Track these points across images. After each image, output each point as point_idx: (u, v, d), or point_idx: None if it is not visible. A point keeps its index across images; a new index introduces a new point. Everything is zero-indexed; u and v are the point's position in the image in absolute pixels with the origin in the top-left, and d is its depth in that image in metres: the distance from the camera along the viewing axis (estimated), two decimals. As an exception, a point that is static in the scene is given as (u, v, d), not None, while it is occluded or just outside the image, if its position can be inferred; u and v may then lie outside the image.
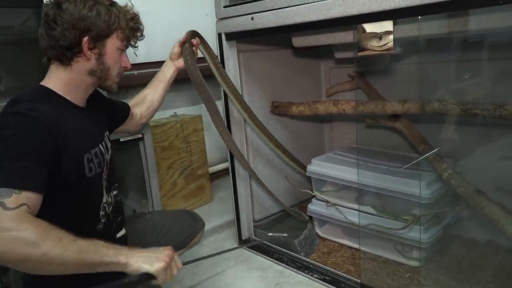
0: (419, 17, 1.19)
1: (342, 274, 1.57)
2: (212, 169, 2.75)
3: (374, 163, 1.75)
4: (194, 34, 1.54)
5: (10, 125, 0.92)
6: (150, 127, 2.04)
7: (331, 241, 1.86)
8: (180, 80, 2.57)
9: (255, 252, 1.86)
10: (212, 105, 1.51)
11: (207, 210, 2.44)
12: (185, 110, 2.70)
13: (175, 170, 2.37)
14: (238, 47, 1.79)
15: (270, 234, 1.88)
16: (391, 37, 1.20)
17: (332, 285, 1.54)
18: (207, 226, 2.17)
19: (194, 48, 1.51)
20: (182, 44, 1.48)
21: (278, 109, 1.98)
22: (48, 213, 0.92)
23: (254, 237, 1.94)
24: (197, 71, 1.47)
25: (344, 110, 1.74)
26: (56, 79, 1.06)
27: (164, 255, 1.00)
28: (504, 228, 1.31)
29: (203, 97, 1.51)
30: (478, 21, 1.20)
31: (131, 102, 1.45)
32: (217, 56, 1.69)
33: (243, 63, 1.86)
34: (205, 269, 1.76)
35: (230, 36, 1.73)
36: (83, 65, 1.06)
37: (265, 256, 1.82)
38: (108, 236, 1.13)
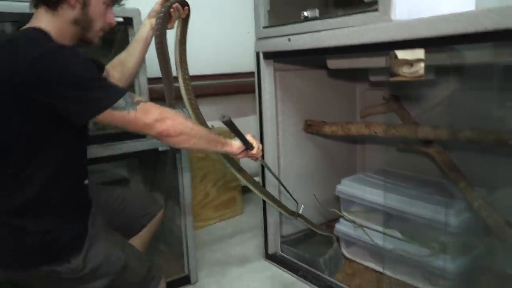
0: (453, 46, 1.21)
1: None
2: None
3: (404, 187, 1.74)
4: (183, 3, 1.37)
5: (69, 57, 0.97)
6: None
7: (357, 262, 1.86)
8: (219, 94, 2.68)
9: (280, 267, 1.89)
10: (168, 82, 1.35)
11: (237, 222, 2.50)
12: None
13: (208, 180, 2.45)
14: (275, 66, 1.86)
15: (296, 250, 1.90)
16: (422, 64, 1.22)
17: (354, 306, 1.54)
18: (236, 238, 2.25)
19: (172, 12, 1.34)
20: (163, 2, 1.34)
21: (311, 128, 2.01)
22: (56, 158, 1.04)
23: (280, 252, 1.97)
24: (163, 38, 1.32)
25: (375, 132, 1.75)
26: (47, 25, 1.05)
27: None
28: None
29: (161, 69, 1.34)
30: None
31: (107, 65, 1.35)
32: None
33: (279, 81, 1.92)
34: (230, 281, 1.81)
35: (268, 55, 1.80)
36: (68, 12, 1.07)
37: (289, 272, 1.84)
38: (87, 192, 1.19)
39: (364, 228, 1.73)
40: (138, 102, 1.02)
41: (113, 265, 1.14)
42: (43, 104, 0.95)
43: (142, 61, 1.42)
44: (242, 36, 2.55)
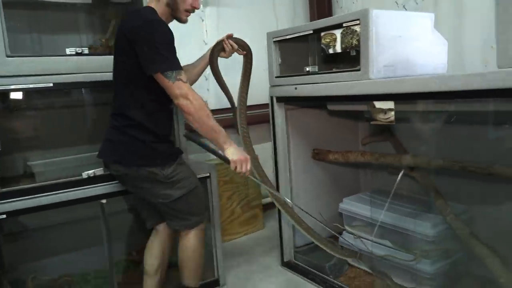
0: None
1: None
2: (266, 201, 3.20)
3: (394, 204, 2.10)
4: (240, 42, 1.91)
5: (158, 28, 1.51)
6: (215, 166, 2.57)
7: (359, 268, 2.21)
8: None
9: (294, 272, 2.27)
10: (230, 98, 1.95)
11: (259, 236, 2.90)
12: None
13: (233, 200, 2.87)
14: (286, 106, 2.27)
15: (307, 258, 2.28)
16: (392, 112, 1.61)
17: (352, 302, 1.91)
18: (257, 249, 2.64)
19: (225, 45, 1.85)
20: (225, 39, 1.87)
21: (318, 155, 2.41)
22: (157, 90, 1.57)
23: (294, 260, 2.35)
24: (215, 64, 1.87)
25: (370, 159, 2.14)
26: (155, 6, 1.62)
27: (242, 156, 1.63)
28: (489, 265, 1.61)
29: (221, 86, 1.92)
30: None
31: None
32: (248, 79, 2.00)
33: (290, 118, 2.33)
34: (252, 284, 2.20)
35: (279, 99, 2.22)
36: None
37: (301, 276, 2.22)
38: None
39: (362, 239, 2.10)
40: (179, 79, 1.51)
41: (190, 183, 1.71)
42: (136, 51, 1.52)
43: (200, 74, 1.94)
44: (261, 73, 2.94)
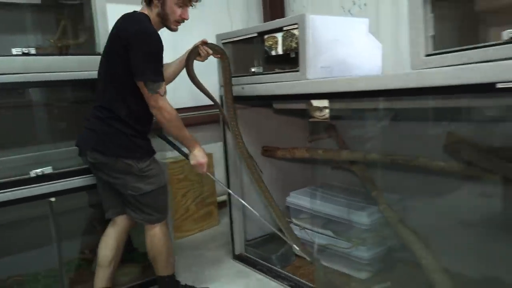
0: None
1: (305, 282, 2.06)
2: (221, 198, 3.28)
3: (336, 197, 2.25)
4: (215, 47, 2.03)
5: (150, 36, 1.64)
6: (168, 164, 2.63)
7: (305, 258, 2.34)
8: (198, 124, 3.15)
9: (244, 264, 2.38)
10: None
11: (213, 232, 2.99)
12: (200, 149, 3.26)
13: (188, 198, 2.94)
14: (236, 105, 2.36)
15: (257, 251, 2.39)
16: (327, 110, 1.75)
17: (296, 289, 2.03)
18: (211, 244, 2.72)
19: (200, 50, 1.98)
20: (200, 43, 1.99)
21: (267, 152, 2.53)
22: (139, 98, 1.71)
23: (244, 253, 2.45)
24: (190, 67, 1.99)
25: (313, 155, 2.27)
26: (148, 14, 1.74)
27: (202, 159, 1.86)
28: (413, 248, 1.77)
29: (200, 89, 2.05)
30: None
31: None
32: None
33: (239, 117, 2.42)
34: (204, 277, 2.28)
35: (229, 98, 2.32)
36: (155, 8, 1.73)
37: (251, 267, 2.33)
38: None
39: (306, 230, 2.23)
40: (157, 92, 1.66)
41: (160, 180, 1.83)
42: (128, 55, 1.64)
43: (177, 74, 2.04)
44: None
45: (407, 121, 2.07)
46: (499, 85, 1.18)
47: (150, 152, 1.83)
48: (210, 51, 2.00)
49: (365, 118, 2.25)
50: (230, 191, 2.26)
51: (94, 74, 1.86)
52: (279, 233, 2.04)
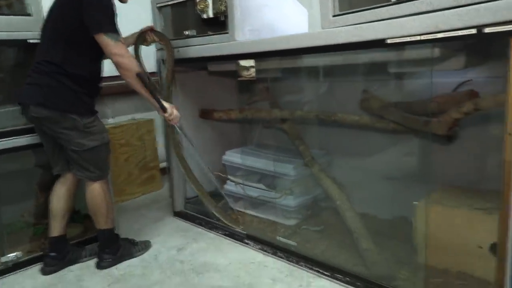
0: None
1: (238, 230, 2.24)
2: (164, 164, 3.37)
3: (268, 154, 2.43)
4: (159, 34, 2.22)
5: None
6: (108, 129, 2.68)
7: (241, 211, 2.52)
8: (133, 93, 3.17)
9: (184, 220, 2.52)
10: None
11: (156, 195, 3.10)
12: (143, 116, 3.31)
13: (130, 162, 3.01)
14: (176, 68, 2.45)
15: (196, 207, 2.54)
16: (253, 69, 1.89)
17: (230, 237, 2.21)
18: (153, 206, 2.83)
19: (147, 36, 2.18)
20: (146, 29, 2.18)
21: (204, 115, 2.65)
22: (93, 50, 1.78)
23: (184, 210, 2.60)
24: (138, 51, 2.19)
25: (247, 116, 2.43)
26: None
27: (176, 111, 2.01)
28: (331, 194, 2.00)
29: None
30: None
31: None
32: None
33: (177, 80, 2.52)
34: (145, 232, 2.41)
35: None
36: None
37: (191, 222, 2.48)
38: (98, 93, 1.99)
39: (241, 185, 2.40)
40: (120, 41, 1.75)
41: (102, 137, 1.90)
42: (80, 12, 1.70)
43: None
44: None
45: (331, 81, 2.27)
46: (388, 41, 1.38)
47: (93, 110, 1.90)
48: (157, 39, 2.18)
49: (295, 79, 2.43)
50: (193, 145, 2.38)
51: (24, 35, 1.92)
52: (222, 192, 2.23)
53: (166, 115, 1.98)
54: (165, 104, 1.96)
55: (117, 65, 1.77)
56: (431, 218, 1.65)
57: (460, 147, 1.85)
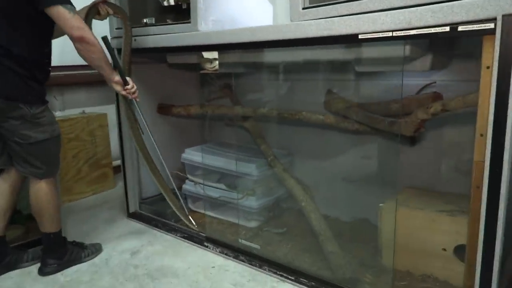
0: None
1: (196, 232, 2.12)
2: (117, 163, 3.17)
3: (229, 152, 2.33)
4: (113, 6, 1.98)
5: None
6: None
7: (200, 213, 2.40)
8: (92, 83, 2.99)
9: (139, 221, 2.37)
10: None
11: (108, 194, 2.91)
12: (95, 109, 3.10)
13: (80, 159, 2.80)
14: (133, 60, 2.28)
15: (152, 208, 2.39)
16: (216, 62, 1.79)
17: (189, 240, 2.09)
18: (105, 206, 2.65)
19: (100, 9, 1.94)
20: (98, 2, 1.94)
21: (162, 110, 2.51)
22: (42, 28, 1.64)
23: (139, 210, 2.44)
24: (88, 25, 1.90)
25: (207, 112, 2.31)
26: None
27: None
28: (295, 195, 1.94)
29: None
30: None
31: None
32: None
33: (134, 73, 2.35)
34: (96, 234, 2.23)
35: (121, 51, 2.23)
36: None
37: (146, 224, 2.33)
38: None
39: (200, 185, 2.28)
40: (77, 13, 1.57)
41: (53, 130, 1.71)
42: None
43: None
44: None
45: (296, 79, 2.21)
46: (360, 36, 1.33)
47: (44, 100, 1.70)
48: (111, 11, 1.95)
49: (259, 76, 2.35)
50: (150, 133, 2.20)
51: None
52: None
53: (129, 87, 1.86)
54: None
55: (80, 40, 1.58)
56: (396, 220, 1.63)
57: (425, 148, 1.85)
